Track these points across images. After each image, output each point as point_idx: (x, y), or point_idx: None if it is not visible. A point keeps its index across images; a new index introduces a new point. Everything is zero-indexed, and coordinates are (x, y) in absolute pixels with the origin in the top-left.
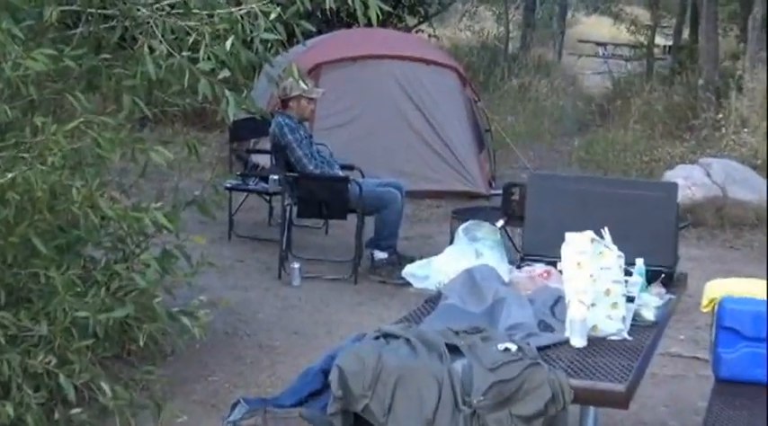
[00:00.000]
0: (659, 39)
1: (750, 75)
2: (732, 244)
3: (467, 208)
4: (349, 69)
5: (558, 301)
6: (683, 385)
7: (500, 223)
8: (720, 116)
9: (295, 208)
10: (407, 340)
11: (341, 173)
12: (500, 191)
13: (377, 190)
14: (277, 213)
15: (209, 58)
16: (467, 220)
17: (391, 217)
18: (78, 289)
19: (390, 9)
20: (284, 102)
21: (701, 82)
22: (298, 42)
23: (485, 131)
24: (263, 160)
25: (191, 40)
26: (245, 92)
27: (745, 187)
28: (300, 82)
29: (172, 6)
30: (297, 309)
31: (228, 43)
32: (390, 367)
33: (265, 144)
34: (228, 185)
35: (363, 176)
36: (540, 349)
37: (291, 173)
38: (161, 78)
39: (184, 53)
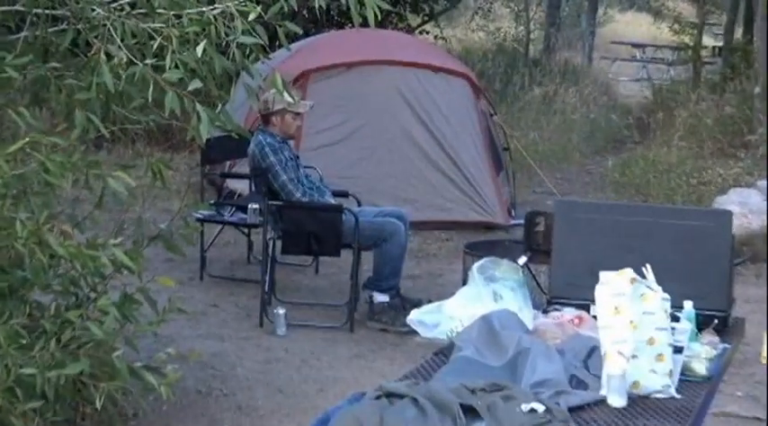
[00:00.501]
0: (707, 40)
1: None
2: None
3: (482, 241)
4: (342, 78)
5: (593, 352)
6: None
7: (522, 260)
8: None
9: (279, 243)
10: (414, 400)
11: (333, 201)
12: (522, 222)
13: (376, 221)
14: (258, 249)
15: (176, 67)
16: (483, 256)
17: (393, 252)
18: (23, 342)
19: (390, 6)
20: (266, 118)
21: (757, 89)
22: (281, 46)
23: (502, 150)
24: (241, 186)
25: (155, 46)
26: (220, 106)
27: None
28: (285, 93)
29: (132, 6)
30: (282, 363)
31: (200, 49)
32: None
33: (243, 167)
34: (200, 216)
35: (360, 204)
36: (571, 410)
37: (274, 202)
38: (120, 90)
39: (148, 61)
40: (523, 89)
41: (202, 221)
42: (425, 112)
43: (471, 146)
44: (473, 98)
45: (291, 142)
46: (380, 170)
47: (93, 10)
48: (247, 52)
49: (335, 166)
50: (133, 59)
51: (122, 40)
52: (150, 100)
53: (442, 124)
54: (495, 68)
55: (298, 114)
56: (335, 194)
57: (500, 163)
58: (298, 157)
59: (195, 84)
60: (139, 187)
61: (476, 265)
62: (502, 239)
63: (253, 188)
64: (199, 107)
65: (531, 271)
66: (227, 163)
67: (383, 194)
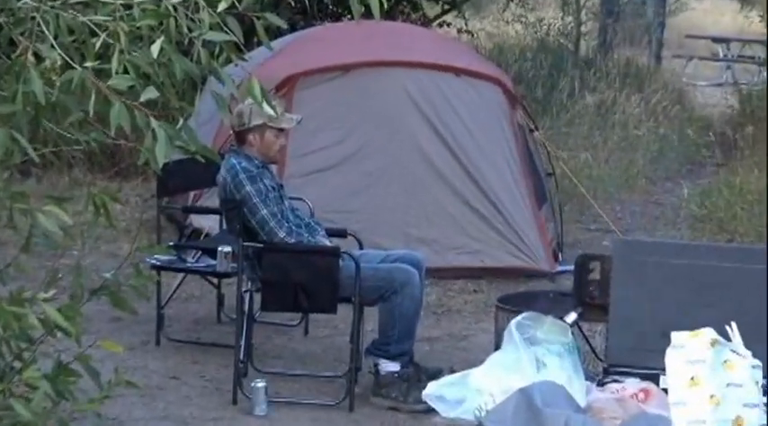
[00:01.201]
0: None
1: None
2: None
3: (521, 293)
4: (338, 84)
5: None
6: None
7: (572, 317)
8: None
9: (258, 297)
10: None
11: (327, 243)
12: (571, 268)
13: (382, 268)
14: (230, 304)
15: (125, 71)
16: (521, 312)
17: (405, 308)
18: None
19: None
20: (240, 136)
21: None
22: (260, 44)
23: (546, 176)
24: (209, 224)
25: (98, 44)
26: (181, 120)
27: None
28: (264, 104)
29: None
30: None
31: (155, 48)
32: None
33: (212, 199)
34: (156, 262)
35: (362, 247)
36: None
37: (251, 243)
38: (53, 102)
39: (88, 63)
40: (573, 97)
41: (159, 269)
42: (446, 128)
43: (505, 170)
44: (507, 109)
45: (273, 167)
46: (388, 202)
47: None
48: (216, 52)
49: (330, 197)
50: (70, 62)
51: (56, 38)
52: (92, 113)
53: (467, 142)
54: (536, 70)
55: (281, 131)
56: (331, 233)
57: (543, 192)
58: (282, 186)
59: (149, 94)
60: (78, 225)
61: (513, 323)
62: (546, 290)
63: (224, 225)
64: (154, 122)
65: (582, 332)
66: (191, 194)
67: (392, 233)
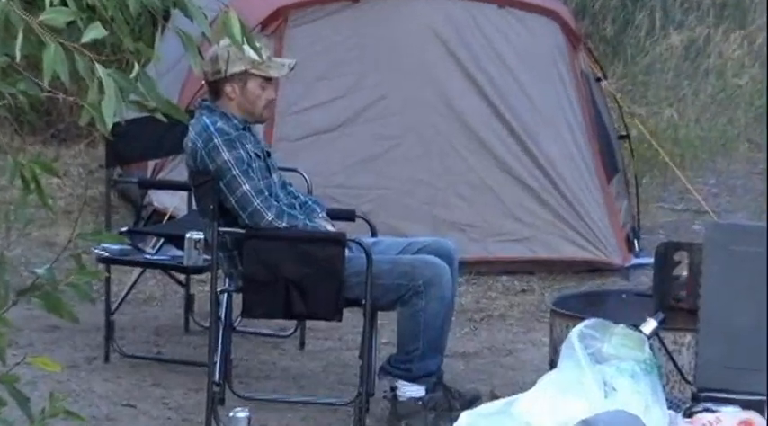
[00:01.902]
0: None
1: None
2: None
3: (583, 294)
4: (342, 18)
5: None
6: None
7: (650, 325)
8: None
9: (239, 300)
10: None
11: (330, 228)
12: (650, 260)
13: (402, 261)
14: (202, 308)
15: (63, 3)
16: (584, 318)
17: (431, 313)
18: None
19: None
20: (215, 88)
21: None
22: None
23: (617, 138)
24: (174, 202)
25: None
26: (137, 67)
27: None
28: (246, 46)
29: None
30: None
31: None
32: None
33: (178, 170)
34: (105, 254)
35: (375, 233)
36: None
37: (230, 229)
38: None
39: None
40: (653, 35)
41: (108, 262)
42: (485, 77)
43: (564, 132)
44: (567, 51)
45: (259, 128)
46: (410, 174)
47: None
48: None
49: (334, 168)
50: None
51: None
52: (18, 58)
53: (513, 96)
54: (605, 0)
55: (269, 80)
56: (334, 215)
57: (613, 160)
58: (269, 154)
59: (94, 32)
60: (2, 205)
61: (574, 333)
62: (617, 290)
63: (193, 205)
64: (100, 70)
65: (664, 345)
66: (151, 164)
67: (415, 215)
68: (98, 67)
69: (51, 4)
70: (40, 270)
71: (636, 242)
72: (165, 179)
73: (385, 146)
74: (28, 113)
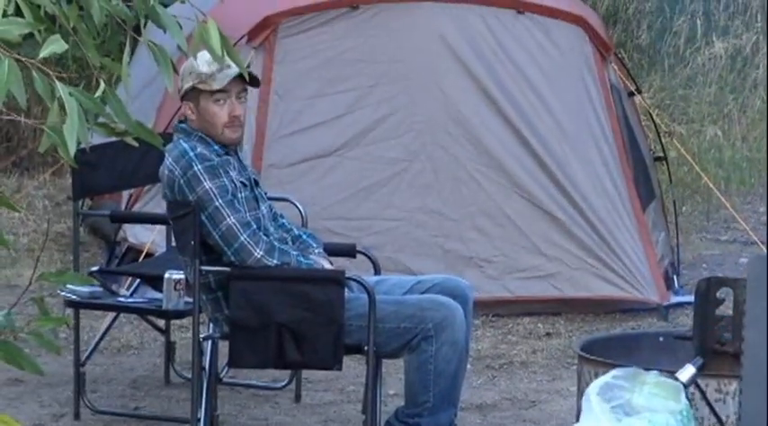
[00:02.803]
0: None
1: None
2: None
3: (614, 337)
4: (341, 27)
5: None
6: None
7: (688, 372)
8: None
9: (225, 347)
10: None
11: (327, 265)
12: (691, 298)
13: (409, 302)
14: (184, 358)
15: (18, 13)
16: (615, 364)
17: (443, 360)
18: None
19: None
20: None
21: None
22: None
23: (653, 161)
24: (151, 237)
25: None
26: (103, 86)
27: None
28: (200, 59)
29: None
30: None
31: None
32: None
33: (156, 201)
34: (73, 297)
35: (378, 270)
36: None
37: (214, 268)
38: None
39: None
40: (694, 43)
41: (77, 306)
42: (503, 91)
43: (593, 154)
44: (595, 62)
45: (247, 153)
46: (418, 202)
47: None
48: None
49: (332, 198)
50: None
51: None
52: None
53: (534, 112)
54: (639, 4)
55: (223, 93)
56: (332, 251)
57: (648, 186)
58: (257, 182)
59: (54, 46)
60: None
61: (593, 386)
62: (653, 332)
63: (172, 242)
64: (61, 88)
65: (704, 393)
66: (125, 195)
67: (424, 250)
68: (59, 86)
69: (4, 15)
70: None
71: (675, 278)
72: (140, 211)
73: (390, 172)
74: None
